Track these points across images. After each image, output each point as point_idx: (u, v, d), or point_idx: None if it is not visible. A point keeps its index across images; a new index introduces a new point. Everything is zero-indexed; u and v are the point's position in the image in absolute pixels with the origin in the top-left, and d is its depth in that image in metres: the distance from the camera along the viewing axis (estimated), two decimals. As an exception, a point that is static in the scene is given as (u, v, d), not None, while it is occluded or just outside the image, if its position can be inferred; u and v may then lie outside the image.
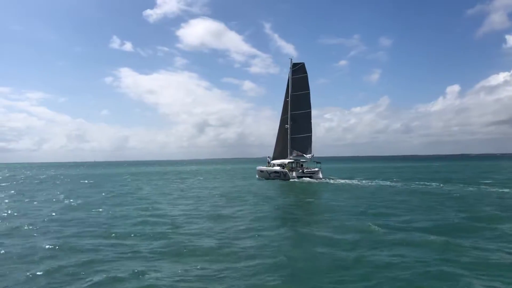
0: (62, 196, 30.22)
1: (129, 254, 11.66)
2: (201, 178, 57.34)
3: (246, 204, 23.96)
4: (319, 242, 13.01)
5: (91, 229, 15.98)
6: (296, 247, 12.57)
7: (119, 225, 16.88)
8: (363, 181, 43.01)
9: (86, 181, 53.10)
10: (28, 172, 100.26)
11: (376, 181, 42.63)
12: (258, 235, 14.38)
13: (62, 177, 67.52)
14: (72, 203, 25.41)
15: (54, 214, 20.49)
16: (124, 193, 33.53)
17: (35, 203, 26.21)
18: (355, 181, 42.34)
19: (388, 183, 39.67)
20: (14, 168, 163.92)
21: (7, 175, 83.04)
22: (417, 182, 39.23)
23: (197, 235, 14.49)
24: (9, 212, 21.51)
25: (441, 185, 35.74)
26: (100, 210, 21.95)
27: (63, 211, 21.80)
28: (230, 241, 13.33)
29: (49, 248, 12.54)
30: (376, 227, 15.07)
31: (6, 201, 27.20)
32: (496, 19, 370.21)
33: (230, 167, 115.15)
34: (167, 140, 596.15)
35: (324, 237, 13.92)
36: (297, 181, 43.31)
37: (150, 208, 22.68)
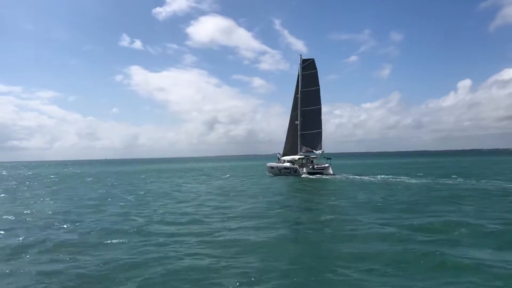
0: (103, 195, 29.51)
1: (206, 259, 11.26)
2: (228, 175, 56.93)
3: (297, 203, 23.67)
4: (398, 241, 12.63)
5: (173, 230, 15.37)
6: (374, 246, 12.18)
7: (187, 225, 16.45)
8: (390, 177, 41.35)
9: (111, 179, 52.80)
10: (49, 169, 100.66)
11: (402, 177, 41.01)
12: (337, 234, 14.16)
13: (86, 175, 66.61)
14: (122, 203, 24.36)
15: (117, 217, 19.06)
16: (163, 192, 32.28)
17: (88, 202, 25.60)
18: (378, 178, 41.20)
19: (418, 180, 37.19)
20: (30, 166, 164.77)
21: (30, 173, 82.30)
22: (444, 178, 37.84)
23: (266, 234, 14.26)
24: (68, 212, 20.81)
25: (478, 181, 34.06)
26: (156, 209, 21.25)
27: (126, 211, 21.01)
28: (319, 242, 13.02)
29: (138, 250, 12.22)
30: (447, 226, 14.71)
31: (57, 203, 24.79)
32: (509, 12, 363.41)
33: (244, 164, 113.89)
34: (177, 137, 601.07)
35: (397, 234, 13.65)
36: (311, 177, 43.33)
37: (204, 206, 22.34)
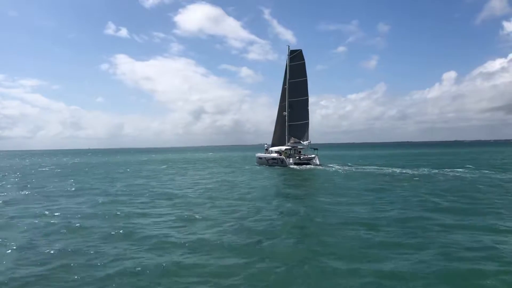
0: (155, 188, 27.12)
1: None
2: (248, 167, 51.99)
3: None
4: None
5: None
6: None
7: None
8: (375, 168, 42.20)
9: (128, 170, 49.87)
10: (54, 159, 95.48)
11: (388, 168, 41.95)
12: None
13: (98, 165, 61.94)
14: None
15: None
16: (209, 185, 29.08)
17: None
18: (363, 168, 42.00)
19: (427, 170, 36.87)
20: (24, 155, 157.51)
21: (29, 164, 74.47)
22: (447, 169, 37.83)
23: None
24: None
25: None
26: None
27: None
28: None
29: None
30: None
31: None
32: (497, 4, 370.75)
33: (237, 154, 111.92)
34: (163, 127, 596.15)
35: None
36: (297, 168, 43.83)
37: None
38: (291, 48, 51.04)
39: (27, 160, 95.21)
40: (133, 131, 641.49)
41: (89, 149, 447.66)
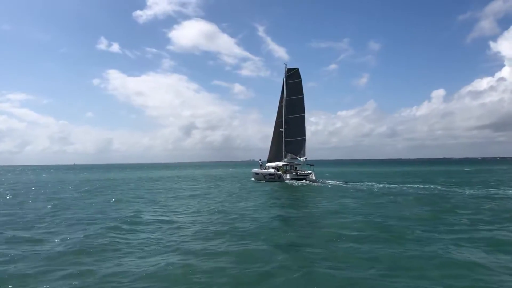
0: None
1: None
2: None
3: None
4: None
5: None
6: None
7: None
8: (369, 184, 43.39)
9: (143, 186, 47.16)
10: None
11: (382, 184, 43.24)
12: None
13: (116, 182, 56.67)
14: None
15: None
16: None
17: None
18: (359, 184, 42.84)
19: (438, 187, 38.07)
20: (20, 171, 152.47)
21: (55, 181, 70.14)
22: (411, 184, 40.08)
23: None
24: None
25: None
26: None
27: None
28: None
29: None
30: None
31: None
32: (486, 25, 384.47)
33: (232, 171, 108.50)
34: (152, 142, 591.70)
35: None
36: (294, 183, 44.28)
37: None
38: (288, 67, 52.49)
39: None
40: (122, 146, 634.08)
41: (74, 164, 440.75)
